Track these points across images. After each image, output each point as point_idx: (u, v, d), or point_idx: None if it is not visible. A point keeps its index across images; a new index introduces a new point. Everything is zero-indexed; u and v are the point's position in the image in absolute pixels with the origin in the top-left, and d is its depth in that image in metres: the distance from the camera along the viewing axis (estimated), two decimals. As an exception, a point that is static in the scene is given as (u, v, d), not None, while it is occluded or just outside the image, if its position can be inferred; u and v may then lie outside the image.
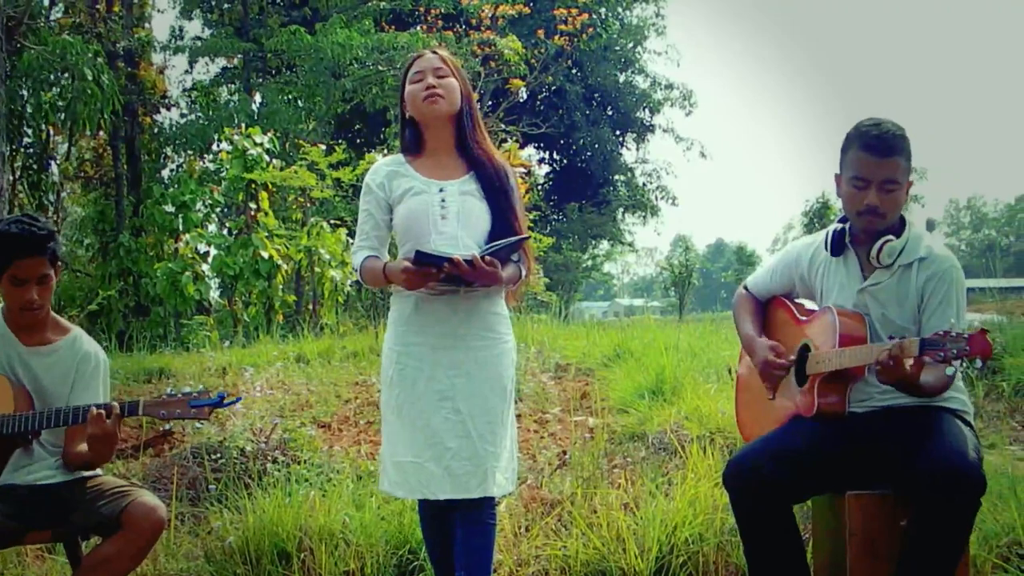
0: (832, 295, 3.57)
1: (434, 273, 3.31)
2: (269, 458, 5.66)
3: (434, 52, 3.70)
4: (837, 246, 3.56)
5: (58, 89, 16.82)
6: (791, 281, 3.78)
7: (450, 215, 3.51)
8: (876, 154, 3.33)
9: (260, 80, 25.07)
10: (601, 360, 8.67)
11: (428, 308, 3.51)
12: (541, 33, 21.90)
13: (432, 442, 3.43)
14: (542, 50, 21.51)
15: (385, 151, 16.92)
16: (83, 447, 3.59)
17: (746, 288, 3.97)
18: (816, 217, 34.19)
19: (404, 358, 3.53)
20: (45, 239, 3.56)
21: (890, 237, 3.42)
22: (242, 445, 5.76)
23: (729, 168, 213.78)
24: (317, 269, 14.62)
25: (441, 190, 3.56)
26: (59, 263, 3.65)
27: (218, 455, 5.70)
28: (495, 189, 3.58)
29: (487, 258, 3.32)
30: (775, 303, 3.85)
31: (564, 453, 5.78)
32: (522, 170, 14.07)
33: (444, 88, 3.58)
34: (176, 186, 17.62)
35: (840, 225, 3.57)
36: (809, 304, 3.74)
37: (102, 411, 3.44)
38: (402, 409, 3.51)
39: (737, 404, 3.99)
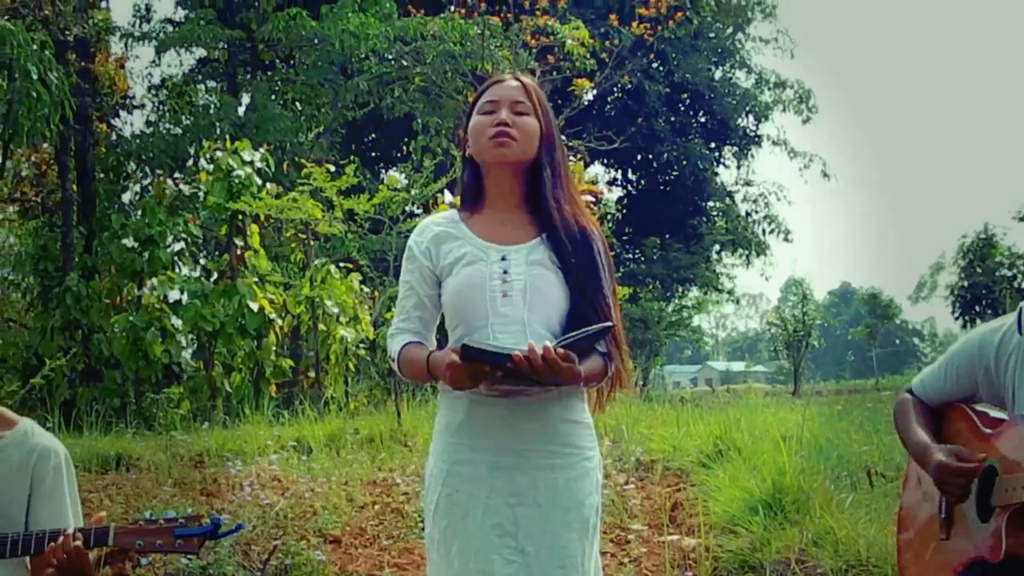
0: None
1: (487, 370, 3.23)
2: (265, 590, 5.65)
3: (517, 79, 3.66)
4: None
5: (-8, 89, 16.97)
6: (971, 379, 3.70)
7: (514, 292, 3.45)
8: None
9: (249, 78, 25.34)
10: (697, 456, 8.61)
11: (484, 414, 3.43)
12: (614, 19, 22.01)
13: None
14: (615, 41, 21.59)
15: (410, 169, 17.05)
16: None
17: (911, 392, 3.91)
18: (976, 257, 34.02)
19: (454, 480, 3.45)
20: None
21: None
22: (231, 573, 5.75)
23: (859, 192, 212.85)
24: (321, 326, 14.69)
25: (503, 258, 3.49)
26: None
27: (199, 585, 5.70)
28: (576, 258, 3.51)
29: (561, 351, 3.20)
30: (951, 412, 3.78)
31: (652, 587, 5.73)
32: (588, 197, 14.09)
33: (520, 128, 3.52)
34: (140, 215, 17.76)
35: None
36: (996, 413, 3.66)
37: (67, 541, 3.42)
38: (451, 548, 3.44)
39: (899, 543, 3.93)
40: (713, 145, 35.55)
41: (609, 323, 3.38)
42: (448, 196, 12.77)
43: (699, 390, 45.02)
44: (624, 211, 34.99)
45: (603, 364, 3.46)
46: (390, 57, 22.23)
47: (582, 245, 3.53)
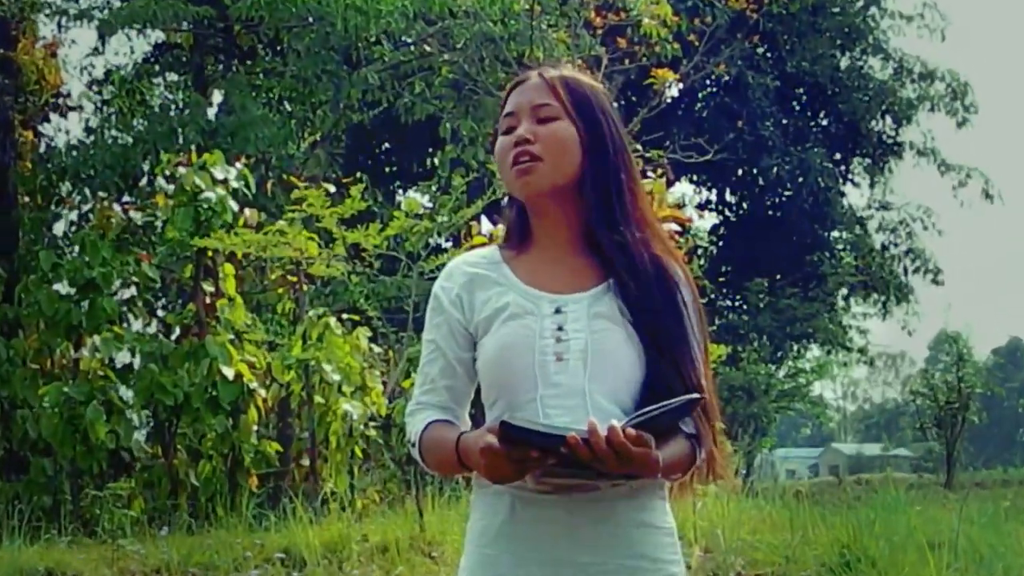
0: None
1: (535, 457, 3.11)
2: None
3: (541, 75, 3.54)
4: None
5: None
6: None
7: (571, 354, 3.35)
8: None
9: (222, 69, 25.51)
10: (818, 570, 8.62)
11: (531, 517, 3.38)
12: (707, -9, 22.11)
13: None
14: (708, 19, 21.65)
15: (435, 189, 17.13)
16: None
17: None
18: None
19: None
20: None
21: None
22: None
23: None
24: (318, 398, 14.72)
25: (557, 310, 3.41)
26: None
27: None
28: (652, 307, 3.42)
29: (632, 432, 3.09)
30: None
31: None
32: (673, 226, 14.16)
33: (544, 142, 3.41)
34: (77, 252, 17.86)
35: None
36: None
37: None
38: None
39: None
40: (838, 156, 35.58)
41: (697, 395, 3.29)
42: (486, 224, 12.77)
43: (821, 480, 44.95)
44: (720, 244, 35.13)
45: (690, 449, 3.37)
46: (409, 41, 22.40)
47: (661, 290, 3.44)
